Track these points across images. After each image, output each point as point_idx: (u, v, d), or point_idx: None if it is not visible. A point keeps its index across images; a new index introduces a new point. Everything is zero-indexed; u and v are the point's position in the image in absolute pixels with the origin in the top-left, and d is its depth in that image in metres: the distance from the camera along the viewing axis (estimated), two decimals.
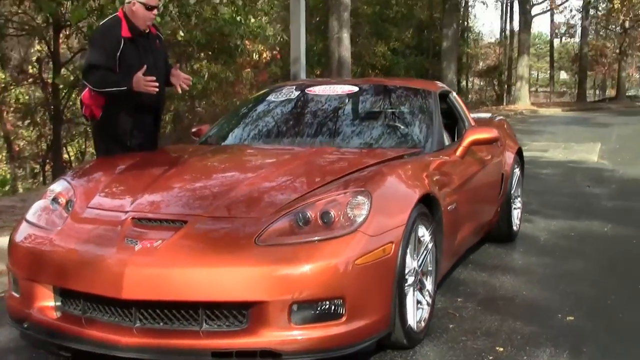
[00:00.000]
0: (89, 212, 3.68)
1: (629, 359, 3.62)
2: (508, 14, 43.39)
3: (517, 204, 6.26)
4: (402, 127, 4.88)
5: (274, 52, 12.15)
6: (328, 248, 3.21)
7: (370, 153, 4.41)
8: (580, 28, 41.91)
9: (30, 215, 3.81)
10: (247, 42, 10.68)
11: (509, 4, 42.66)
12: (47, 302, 3.45)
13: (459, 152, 4.66)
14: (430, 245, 3.85)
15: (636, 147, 14.28)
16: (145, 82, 4.91)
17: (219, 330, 3.18)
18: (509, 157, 5.90)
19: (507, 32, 43.53)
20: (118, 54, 4.97)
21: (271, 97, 5.38)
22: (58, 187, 3.96)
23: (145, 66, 4.95)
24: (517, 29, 34.96)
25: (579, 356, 3.59)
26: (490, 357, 3.59)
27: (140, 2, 5.03)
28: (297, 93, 5.32)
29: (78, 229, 3.57)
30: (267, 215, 3.39)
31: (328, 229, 3.28)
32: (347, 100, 5.21)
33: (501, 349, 3.68)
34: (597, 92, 51.91)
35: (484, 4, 60.23)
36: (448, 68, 25.45)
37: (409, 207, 3.58)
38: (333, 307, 3.20)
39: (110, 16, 5.26)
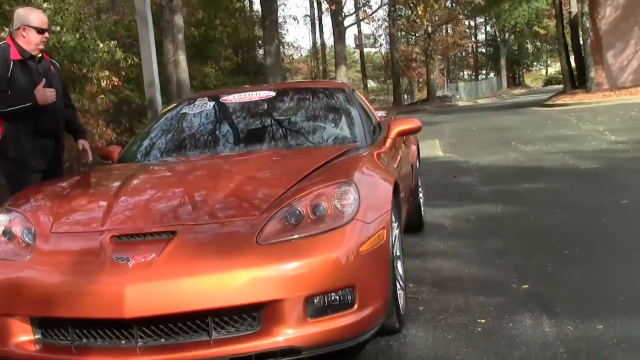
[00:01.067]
0: (55, 237, 3.44)
1: (603, 311, 3.82)
2: (317, 28, 44.63)
3: (420, 194, 6.48)
4: (333, 125, 4.95)
5: (119, 79, 11.81)
6: (332, 239, 3.19)
7: (319, 150, 4.44)
8: (388, 36, 43.80)
9: None
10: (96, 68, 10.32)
11: (317, 19, 43.93)
12: (25, 337, 3.20)
13: (388, 143, 4.76)
14: (397, 232, 3.92)
15: (472, 140, 15.17)
16: (49, 92, 4.91)
17: (231, 336, 3.07)
18: (413, 149, 6.12)
19: (319, 45, 44.72)
20: (9, 75, 4.87)
21: (185, 110, 5.26)
22: (4, 217, 3.66)
23: (44, 80, 4.96)
24: (332, 41, 36.05)
25: (557, 315, 3.77)
26: (479, 329, 3.69)
27: (31, 27, 4.97)
28: (212, 103, 5.24)
29: (51, 255, 3.34)
30: (256, 216, 3.32)
31: (322, 221, 3.27)
32: (269, 105, 5.22)
33: (483, 321, 3.80)
34: (406, 96, 54.53)
35: (295, 19, 61.59)
36: (274, 83, 25.71)
37: (390, 194, 3.66)
38: (345, 297, 3.17)
39: None
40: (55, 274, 3.17)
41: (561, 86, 33.98)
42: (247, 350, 3.03)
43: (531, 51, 70.11)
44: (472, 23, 62.96)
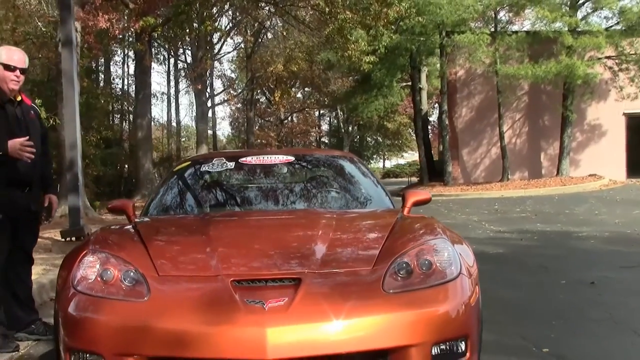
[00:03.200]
0: (167, 279, 3.43)
1: None
2: (173, 106, 44.66)
3: None
4: (362, 189, 5.18)
5: None
6: (450, 291, 3.40)
7: (373, 212, 4.76)
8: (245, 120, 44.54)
9: (83, 287, 3.41)
10: None
11: (173, 98, 44.01)
12: None
13: (405, 210, 5.02)
14: None
15: None
16: (21, 147, 4.67)
17: None
18: None
19: (175, 124, 44.68)
20: None
21: (206, 168, 5.31)
22: (95, 257, 3.56)
23: (26, 136, 4.76)
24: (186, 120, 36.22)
25: None
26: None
27: (1, 63, 4.76)
28: (232, 163, 5.33)
29: (171, 296, 3.32)
30: (370, 268, 3.47)
31: (431, 274, 3.47)
32: (290, 169, 5.38)
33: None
34: None
35: (154, 96, 61.17)
36: (145, 157, 25.47)
37: (471, 250, 3.89)
38: (460, 346, 3.38)
39: None
40: (184, 314, 3.15)
41: (405, 179, 35.64)
42: None
43: (372, 144, 73.07)
44: (317, 113, 65.05)
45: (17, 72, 4.85)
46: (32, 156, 4.78)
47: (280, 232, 4.18)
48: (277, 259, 3.61)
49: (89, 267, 3.53)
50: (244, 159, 5.42)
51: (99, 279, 3.45)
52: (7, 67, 4.79)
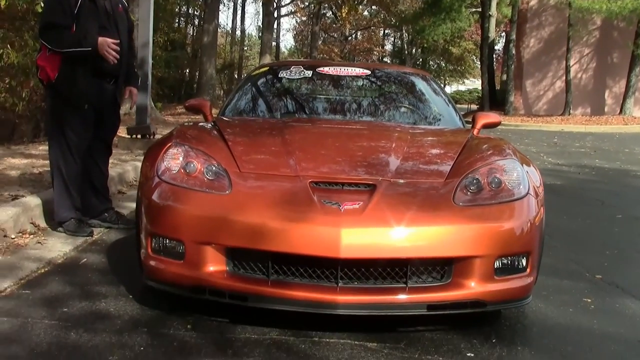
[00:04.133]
0: (249, 176, 3.60)
1: None
2: (238, 14, 44.49)
3: None
4: (435, 107, 5.30)
5: None
6: (517, 208, 3.55)
7: (447, 129, 4.91)
8: (310, 33, 44.23)
9: (167, 177, 3.61)
10: None
11: (241, 5, 43.78)
12: (217, 267, 3.37)
13: (475, 131, 5.12)
14: None
15: None
16: (108, 47, 4.86)
17: (426, 286, 3.37)
18: None
19: (239, 32, 44.58)
20: (75, 10, 4.81)
21: (284, 74, 5.47)
22: (178, 150, 3.77)
23: (118, 41, 4.94)
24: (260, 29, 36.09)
25: None
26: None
27: None
28: (309, 71, 5.47)
29: (253, 191, 3.51)
30: (443, 181, 3.62)
31: (500, 192, 3.61)
32: (366, 82, 5.52)
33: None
34: None
35: (222, 2, 60.87)
36: (209, 62, 25.65)
37: (538, 172, 4.01)
38: (521, 261, 3.54)
39: None
40: (264, 209, 3.33)
41: (464, 105, 35.26)
42: (439, 299, 3.34)
43: (434, 68, 72.10)
44: (382, 32, 64.18)
45: None
46: (117, 57, 4.99)
47: (357, 141, 4.34)
48: (354, 165, 3.78)
49: (173, 159, 3.72)
50: (321, 68, 5.54)
51: (182, 170, 3.64)
52: None
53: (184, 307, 3.61)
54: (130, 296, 3.85)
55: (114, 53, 4.92)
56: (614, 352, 3.43)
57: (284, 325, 3.45)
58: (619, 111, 28.15)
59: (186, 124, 4.61)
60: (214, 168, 3.63)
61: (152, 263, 3.54)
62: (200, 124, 4.58)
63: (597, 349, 3.46)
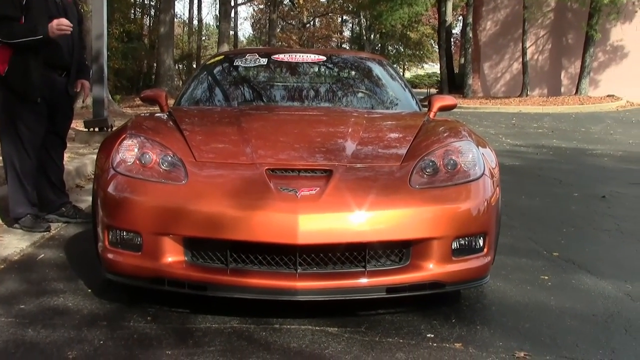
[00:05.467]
0: (205, 165, 3.59)
1: None
2: (195, 3, 44.14)
3: None
4: (390, 92, 5.30)
5: None
6: (473, 189, 3.58)
7: (402, 113, 4.89)
8: (267, 21, 44.08)
9: (122, 169, 3.58)
10: None
11: None
12: (175, 257, 3.36)
13: (431, 114, 5.14)
14: None
15: None
16: (58, 26, 4.77)
17: (384, 269, 3.40)
18: None
19: (196, 21, 44.25)
20: (24, 3, 4.75)
21: (239, 63, 5.44)
22: (134, 141, 3.73)
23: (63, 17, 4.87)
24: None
25: None
26: None
27: None
28: (264, 59, 5.44)
29: (209, 180, 3.50)
30: (399, 164, 3.64)
31: (456, 174, 3.64)
32: (321, 68, 5.52)
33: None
34: None
35: None
36: (166, 53, 25.44)
37: (494, 153, 4.06)
38: (478, 242, 3.58)
39: None
40: (221, 198, 3.32)
41: (424, 90, 35.47)
42: (398, 281, 3.38)
43: (393, 53, 72.17)
44: (340, 19, 64.15)
45: None
46: (69, 31, 4.89)
47: (313, 126, 4.34)
48: (310, 151, 3.79)
49: (128, 151, 3.69)
50: (276, 55, 5.53)
51: (137, 161, 3.61)
52: None
53: (144, 299, 3.60)
54: (89, 290, 3.82)
55: (64, 29, 4.81)
56: (570, 327, 3.50)
57: (245, 313, 3.46)
58: (575, 91, 28.50)
59: (143, 114, 4.56)
60: (169, 158, 3.61)
61: (110, 256, 3.51)
62: (156, 114, 4.54)
63: (554, 325, 3.52)
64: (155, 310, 3.51)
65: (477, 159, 3.74)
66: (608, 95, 27.42)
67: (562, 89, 30.12)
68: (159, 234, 3.33)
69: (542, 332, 3.42)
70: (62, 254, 4.55)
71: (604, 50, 29.59)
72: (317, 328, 3.34)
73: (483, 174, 3.67)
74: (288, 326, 3.35)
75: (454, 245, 3.44)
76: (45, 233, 5.01)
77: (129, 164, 3.61)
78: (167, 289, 3.38)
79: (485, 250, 3.59)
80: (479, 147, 3.91)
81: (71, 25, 4.90)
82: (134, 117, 4.32)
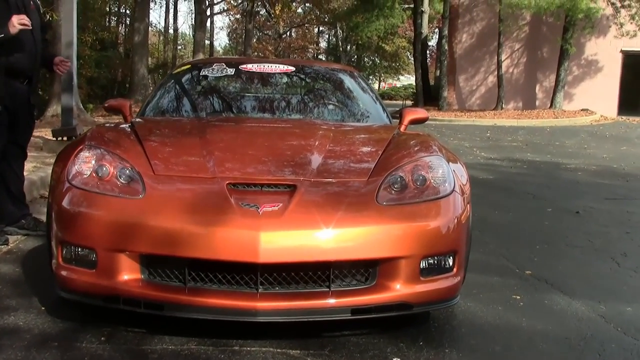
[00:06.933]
0: (164, 179, 3.44)
1: None
2: (171, 13, 43.97)
3: None
4: (361, 104, 5.20)
5: None
6: (442, 206, 3.47)
7: (371, 126, 4.80)
8: (244, 31, 43.99)
9: (78, 182, 3.42)
10: None
11: (173, 3, 43.29)
12: (132, 275, 3.21)
13: (402, 128, 5.02)
14: None
15: None
16: (19, 20, 4.61)
17: (349, 289, 3.26)
18: None
19: (172, 30, 44.07)
20: None
21: (206, 72, 5.31)
22: (91, 153, 3.58)
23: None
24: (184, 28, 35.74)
25: None
26: None
27: None
28: (232, 69, 5.31)
29: (167, 195, 3.34)
30: (366, 180, 3.51)
31: (425, 190, 3.52)
32: (290, 79, 5.40)
33: None
34: None
35: (153, 2, 60.06)
36: (140, 62, 25.24)
37: (465, 169, 3.95)
38: (447, 261, 3.45)
39: None
40: (179, 213, 3.18)
41: (399, 102, 35.50)
42: (364, 302, 3.24)
43: (369, 65, 72.33)
44: (316, 30, 64.25)
45: None
46: (30, 27, 4.72)
47: (278, 140, 4.20)
48: (274, 165, 3.65)
49: (85, 163, 3.53)
50: (244, 65, 5.39)
51: (94, 174, 3.45)
52: None
53: (99, 318, 3.44)
54: (43, 308, 3.65)
55: (27, 22, 4.66)
56: (542, 351, 3.39)
57: (203, 334, 3.30)
58: (549, 105, 28.64)
59: (104, 125, 4.41)
60: (127, 171, 3.46)
61: (64, 273, 3.36)
62: (116, 124, 4.39)
63: (525, 348, 3.42)
64: (110, 330, 3.34)
65: (447, 174, 3.62)
66: (582, 109, 27.59)
67: (537, 103, 30.27)
68: (115, 250, 3.18)
69: (513, 356, 3.32)
70: (17, 268, 4.38)
71: (578, 64, 29.79)
72: (278, 350, 3.20)
73: (453, 190, 3.55)
74: (248, 348, 3.20)
75: (422, 264, 3.32)
76: (2, 246, 4.83)
77: (85, 176, 3.46)
78: (123, 308, 3.22)
79: (454, 269, 3.47)
80: (450, 162, 3.79)
81: (34, 38, 4.81)
82: (94, 128, 4.16)
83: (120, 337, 3.28)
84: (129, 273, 3.20)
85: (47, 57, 5.30)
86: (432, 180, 3.55)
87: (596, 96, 28.22)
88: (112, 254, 3.19)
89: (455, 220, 3.45)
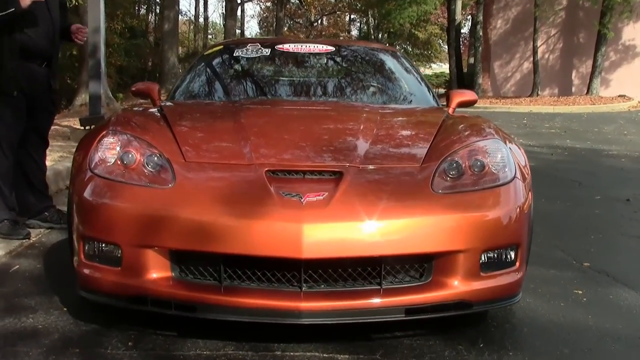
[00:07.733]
0: (195, 166, 3.13)
1: None
2: (202, 2, 43.85)
3: None
4: (405, 85, 4.86)
5: None
6: (503, 195, 3.13)
7: (420, 108, 4.48)
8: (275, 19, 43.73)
9: (101, 170, 3.11)
10: None
11: None
12: (161, 273, 2.91)
13: (450, 110, 4.67)
14: None
15: None
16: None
17: (402, 286, 2.95)
18: None
19: (202, 19, 43.99)
20: None
21: (239, 53, 4.99)
22: (115, 139, 3.27)
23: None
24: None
25: None
26: None
27: None
28: (268, 50, 4.99)
29: (199, 184, 3.02)
30: (419, 166, 3.18)
31: (484, 176, 3.17)
32: (330, 60, 5.09)
33: None
34: None
35: None
36: (170, 50, 24.95)
37: (522, 150, 3.59)
38: (510, 255, 3.12)
39: None
40: (212, 204, 2.87)
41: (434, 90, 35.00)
42: (419, 301, 2.91)
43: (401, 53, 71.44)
44: (347, 17, 63.80)
45: None
46: None
47: (320, 123, 3.87)
48: (317, 151, 3.31)
49: (109, 149, 3.22)
50: (280, 45, 5.07)
51: (119, 162, 3.14)
52: None
53: (126, 320, 3.15)
54: (65, 309, 3.36)
55: None
56: (614, 353, 3.06)
57: (241, 338, 2.99)
58: (586, 91, 27.98)
59: (130, 108, 4.10)
60: (155, 159, 3.15)
61: (86, 271, 3.06)
62: (144, 109, 4.09)
63: (595, 350, 3.08)
64: (138, 334, 3.04)
65: (507, 159, 3.28)
66: (619, 96, 26.93)
67: (573, 89, 29.64)
68: (142, 246, 2.89)
69: (584, 359, 2.97)
70: (39, 264, 4.11)
71: (615, 49, 29.08)
72: (324, 355, 2.89)
73: (514, 176, 3.20)
74: (291, 353, 2.90)
75: (483, 258, 2.98)
76: (24, 240, 4.56)
77: (109, 164, 3.15)
78: (151, 309, 2.93)
79: (517, 264, 3.13)
80: (507, 143, 3.43)
81: (53, 21, 4.53)
82: (119, 112, 3.86)
83: (149, 342, 2.98)
84: (157, 271, 2.90)
85: (65, 27, 4.95)
86: (490, 166, 3.21)
87: (633, 82, 27.53)
88: (138, 250, 2.89)
89: (518, 209, 3.11)
